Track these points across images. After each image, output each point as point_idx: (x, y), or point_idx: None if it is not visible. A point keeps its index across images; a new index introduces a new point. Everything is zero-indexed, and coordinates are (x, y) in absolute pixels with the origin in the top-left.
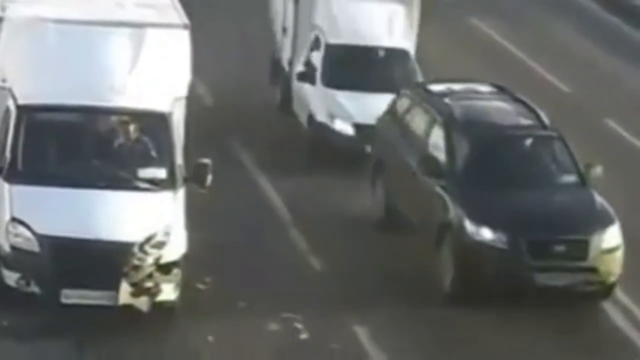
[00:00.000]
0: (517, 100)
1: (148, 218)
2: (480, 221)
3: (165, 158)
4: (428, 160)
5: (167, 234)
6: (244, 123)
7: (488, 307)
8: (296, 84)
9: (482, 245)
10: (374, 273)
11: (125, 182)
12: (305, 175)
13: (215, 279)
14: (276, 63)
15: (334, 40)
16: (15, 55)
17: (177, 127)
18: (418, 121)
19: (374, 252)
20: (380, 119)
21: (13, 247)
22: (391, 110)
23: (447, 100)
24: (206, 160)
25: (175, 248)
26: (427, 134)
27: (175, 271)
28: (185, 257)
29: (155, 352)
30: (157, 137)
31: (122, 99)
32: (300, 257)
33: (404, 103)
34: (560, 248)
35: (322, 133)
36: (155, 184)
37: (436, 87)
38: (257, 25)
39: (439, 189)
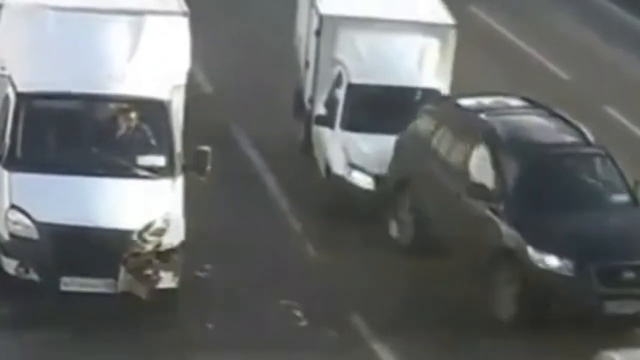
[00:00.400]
0: (554, 114)
1: (147, 205)
2: (544, 248)
3: (164, 146)
4: (476, 183)
5: (166, 221)
6: (243, 110)
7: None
8: (315, 128)
9: (548, 273)
10: (382, 270)
11: (125, 170)
12: (305, 160)
13: (215, 267)
14: (299, 96)
15: (357, 80)
16: (14, 43)
17: (176, 114)
18: (452, 139)
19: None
20: (401, 137)
21: (12, 235)
22: (414, 127)
23: (483, 116)
24: (205, 148)
25: (175, 235)
26: (467, 153)
27: (175, 258)
28: (184, 244)
29: (155, 340)
30: (156, 124)
31: (121, 86)
32: (299, 244)
33: (430, 120)
34: (630, 274)
35: (339, 186)
36: (154, 172)
37: (466, 102)
38: (258, 12)
39: (488, 212)
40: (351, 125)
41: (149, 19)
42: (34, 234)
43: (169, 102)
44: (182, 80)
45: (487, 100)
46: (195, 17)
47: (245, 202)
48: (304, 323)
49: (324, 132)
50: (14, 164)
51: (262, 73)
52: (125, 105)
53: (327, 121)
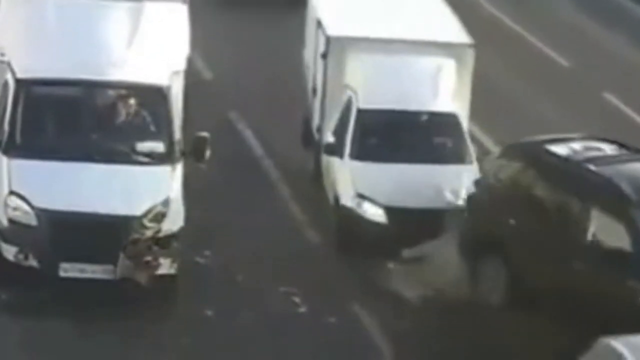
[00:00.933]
0: None
1: (146, 192)
2: None
3: (163, 132)
4: (610, 249)
5: (165, 207)
6: (243, 96)
7: None
8: (324, 158)
9: None
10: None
11: (124, 156)
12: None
13: (215, 253)
14: (307, 124)
15: (366, 105)
16: (14, 29)
17: (176, 100)
18: (560, 196)
19: None
20: (478, 190)
21: (11, 221)
22: (495, 179)
23: (594, 168)
24: (204, 134)
25: (174, 222)
26: (585, 213)
27: (174, 245)
28: (184, 230)
29: (154, 326)
30: (156, 110)
31: (121, 72)
32: (298, 230)
33: (520, 171)
34: None
35: (347, 217)
36: (154, 158)
37: (560, 150)
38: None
39: (631, 284)
40: (361, 154)
41: (148, 5)
42: (32, 220)
43: (169, 88)
44: (181, 66)
45: (578, 146)
46: (195, 4)
47: (245, 188)
48: (302, 309)
49: (333, 161)
50: (13, 150)
51: (261, 60)
52: (124, 92)
53: (336, 150)
